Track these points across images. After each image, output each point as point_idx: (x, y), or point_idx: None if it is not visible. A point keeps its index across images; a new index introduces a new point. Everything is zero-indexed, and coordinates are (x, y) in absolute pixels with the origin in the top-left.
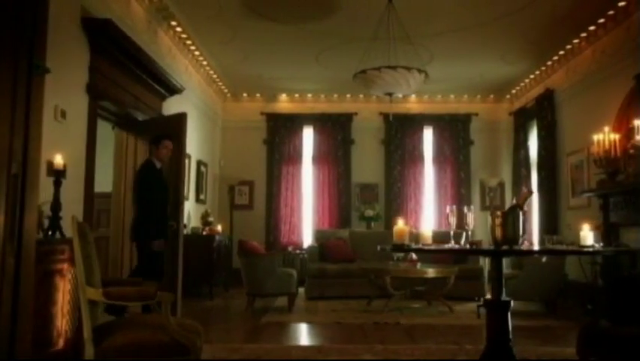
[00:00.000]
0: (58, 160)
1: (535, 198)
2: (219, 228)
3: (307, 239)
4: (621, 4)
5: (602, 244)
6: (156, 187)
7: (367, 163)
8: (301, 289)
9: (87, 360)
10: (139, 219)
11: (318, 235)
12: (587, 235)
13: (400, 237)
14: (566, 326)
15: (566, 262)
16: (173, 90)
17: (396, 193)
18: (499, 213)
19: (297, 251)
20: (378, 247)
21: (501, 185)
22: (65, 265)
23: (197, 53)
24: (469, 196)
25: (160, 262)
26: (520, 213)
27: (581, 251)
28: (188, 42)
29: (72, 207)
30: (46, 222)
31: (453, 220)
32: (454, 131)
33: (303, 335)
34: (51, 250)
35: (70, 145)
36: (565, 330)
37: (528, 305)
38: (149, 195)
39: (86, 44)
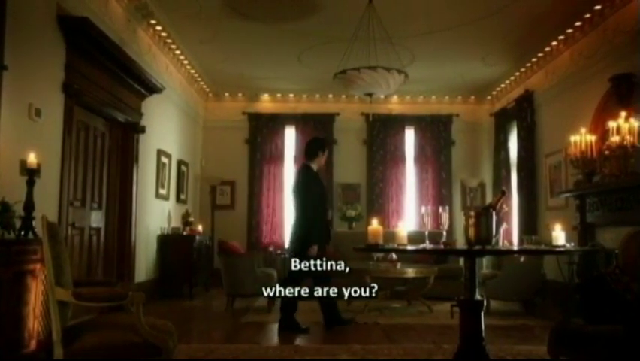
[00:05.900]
0: (32, 159)
1: (514, 199)
2: (200, 228)
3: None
4: (597, 7)
5: (573, 244)
6: (318, 192)
7: (349, 163)
8: None
9: None
10: (304, 228)
11: None
12: (559, 235)
13: (374, 237)
14: (543, 326)
15: (544, 262)
16: (152, 89)
17: (378, 193)
18: (472, 213)
19: (279, 251)
20: (353, 248)
21: (482, 185)
22: (38, 266)
23: (177, 52)
24: (450, 196)
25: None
26: (494, 214)
27: (551, 251)
28: (169, 41)
29: (46, 207)
30: (18, 223)
31: (428, 220)
32: (436, 132)
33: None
34: (22, 250)
35: (45, 144)
36: (542, 329)
37: (507, 305)
38: (312, 200)
39: (62, 43)
